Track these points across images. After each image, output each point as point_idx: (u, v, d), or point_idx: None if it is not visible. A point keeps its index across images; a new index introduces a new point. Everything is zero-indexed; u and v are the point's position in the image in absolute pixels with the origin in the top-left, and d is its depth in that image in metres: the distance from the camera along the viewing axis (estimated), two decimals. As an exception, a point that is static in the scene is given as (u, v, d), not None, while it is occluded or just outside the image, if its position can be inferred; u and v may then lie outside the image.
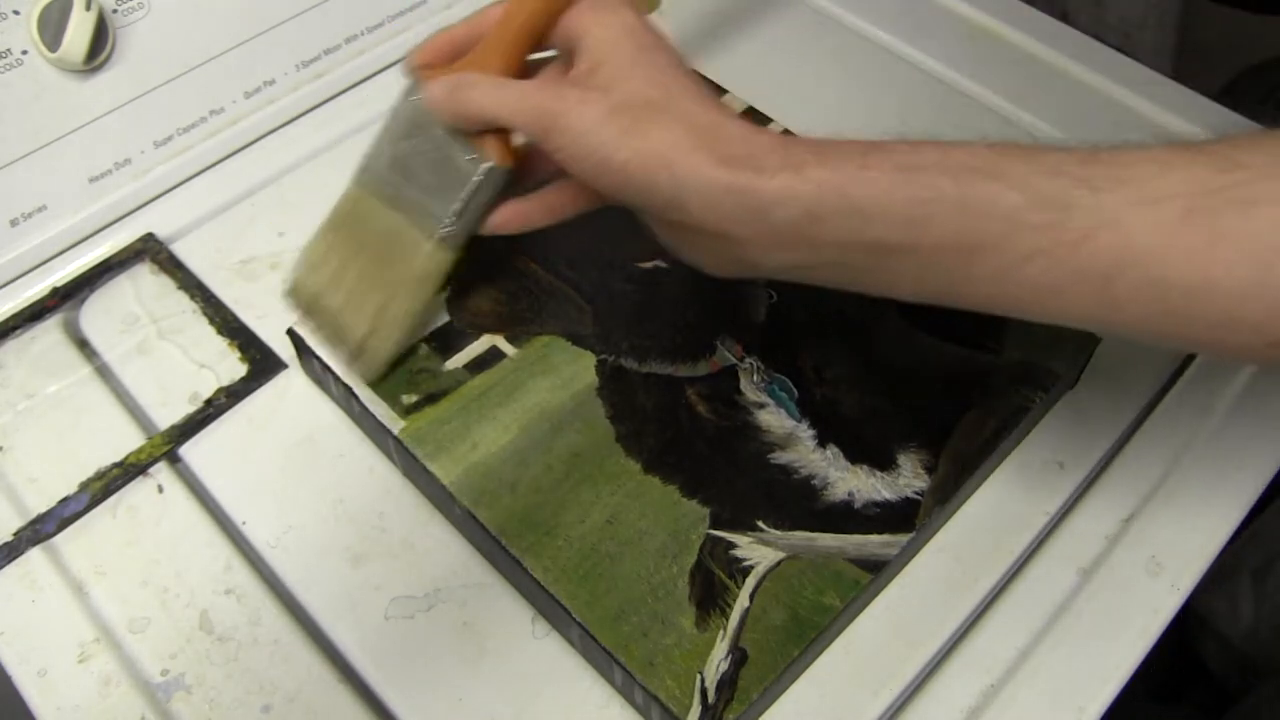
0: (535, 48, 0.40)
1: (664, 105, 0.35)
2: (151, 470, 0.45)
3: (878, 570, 0.40)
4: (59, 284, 0.51)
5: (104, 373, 0.49)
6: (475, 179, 0.40)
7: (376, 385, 0.44)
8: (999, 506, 0.44)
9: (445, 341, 0.46)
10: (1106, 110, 0.59)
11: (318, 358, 0.45)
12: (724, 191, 0.34)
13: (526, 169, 0.42)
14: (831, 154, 0.34)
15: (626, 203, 0.37)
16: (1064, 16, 0.99)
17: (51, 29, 0.47)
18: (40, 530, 0.44)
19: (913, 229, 0.33)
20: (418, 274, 0.42)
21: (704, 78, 0.53)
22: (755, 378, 0.44)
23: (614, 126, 0.35)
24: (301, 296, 0.45)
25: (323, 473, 0.45)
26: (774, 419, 0.43)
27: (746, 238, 0.35)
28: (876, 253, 0.34)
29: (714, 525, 0.41)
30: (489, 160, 0.40)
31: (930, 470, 0.42)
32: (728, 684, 0.37)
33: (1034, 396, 0.44)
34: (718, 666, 0.37)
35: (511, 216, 0.42)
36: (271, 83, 0.57)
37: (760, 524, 0.41)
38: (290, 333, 0.47)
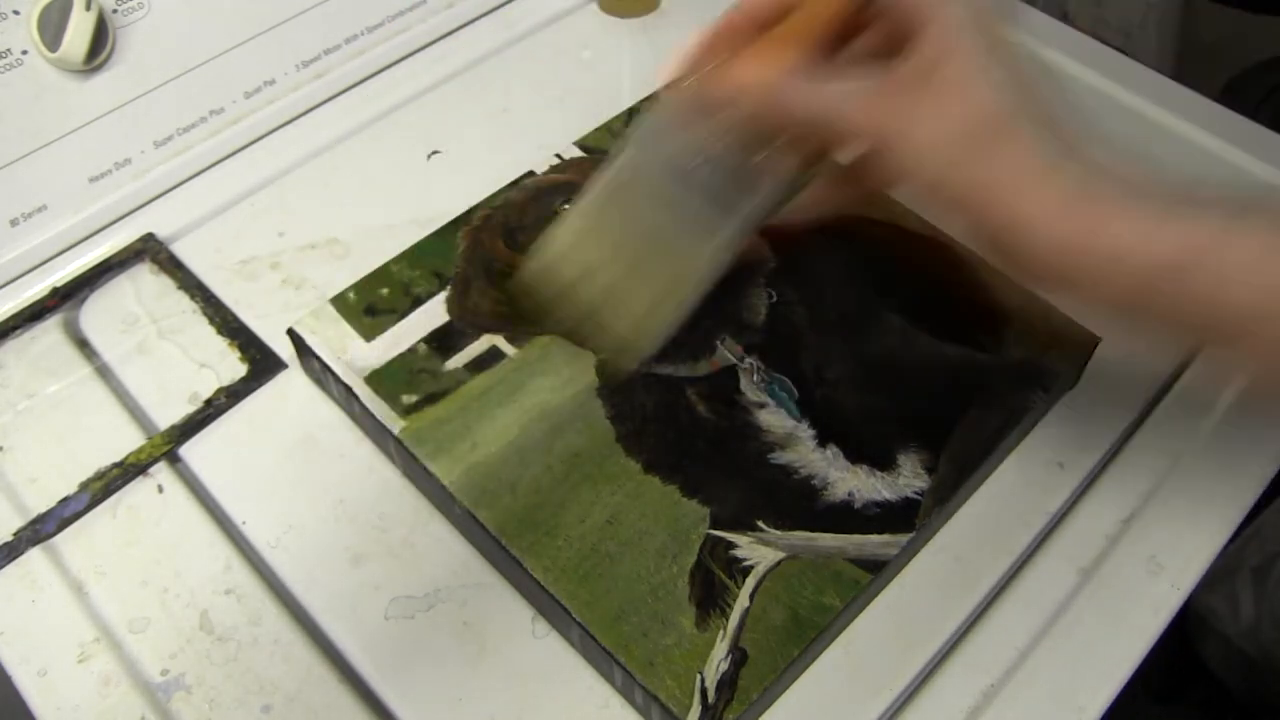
0: (859, 24, 0.35)
1: (1010, 129, 0.32)
2: (151, 470, 0.45)
3: (878, 570, 0.40)
4: (59, 284, 0.51)
5: (104, 373, 0.49)
6: (772, 183, 0.37)
7: (376, 385, 0.44)
8: (999, 506, 0.44)
9: (445, 341, 0.46)
10: (1106, 110, 0.59)
11: (318, 358, 0.45)
12: (1059, 240, 0.32)
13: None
14: (1186, 211, 0.31)
15: (953, 215, 0.34)
16: (1064, 16, 0.99)
17: (51, 29, 0.47)
18: (40, 530, 0.44)
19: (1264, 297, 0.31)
20: (695, 273, 0.39)
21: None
22: (755, 378, 0.44)
23: (957, 149, 0.32)
24: (554, 280, 0.41)
25: (323, 473, 0.45)
26: (774, 419, 0.43)
27: (1073, 284, 0.33)
28: (1200, 302, 0.32)
29: (714, 525, 0.41)
30: (788, 165, 0.37)
31: (930, 470, 0.42)
32: (728, 684, 0.37)
33: (1034, 396, 0.44)
34: (718, 666, 0.37)
35: (804, 209, 0.40)
36: (271, 83, 0.57)
37: (760, 524, 0.41)
38: (290, 333, 0.47)
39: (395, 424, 0.43)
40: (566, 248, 0.40)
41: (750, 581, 0.39)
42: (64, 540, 0.44)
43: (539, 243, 0.40)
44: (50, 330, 0.50)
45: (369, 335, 0.46)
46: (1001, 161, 0.32)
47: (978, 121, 0.32)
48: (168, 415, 0.47)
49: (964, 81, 0.32)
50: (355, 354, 0.45)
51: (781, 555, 0.40)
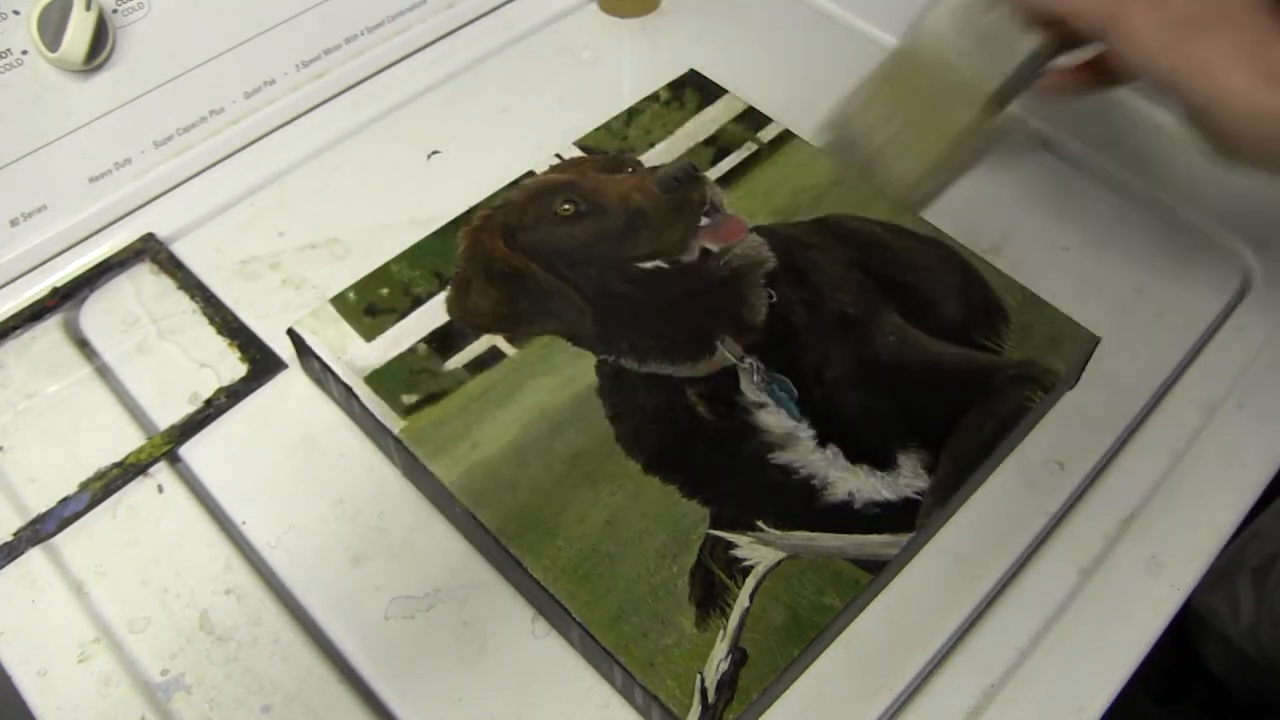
0: None
1: (1215, 20, 0.37)
2: (151, 470, 0.45)
3: (878, 570, 0.40)
4: (59, 284, 0.51)
5: (104, 373, 0.49)
6: (1026, 57, 0.45)
7: (376, 385, 0.44)
8: (999, 506, 0.44)
9: (445, 341, 0.46)
10: (1107, 110, 0.59)
11: (318, 358, 0.45)
12: (1255, 107, 0.36)
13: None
14: None
15: (1167, 99, 0.39)
16: (1064, 16, 0.99)
17: (51, 29, 0.47)
18: (40, 530, 0.44)
19: None
20: (965, 127, 0.47)
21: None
22: (755, 378, 0.44)
23: (1167, 35, 0.37)
24: (844, 133, 0.50)
25: (323, 473, 0.45)
26: (774, 419, 0.43)
27: (1274, 157, 0.38)
28: None
29: (714, 525, 0.41)
30: (1040, 43, 0.44)
31: (930, 470, 0.42)
32: (728, 684, 0.37)
33: (1034, 396, 0.44)
34: (718, 666, 0.37)
35: (1051, 86, 0.46)
36: (271, 83, 0.57)
37: (760, 524, 0.41)
38: (290, 333, 0.47)
39: (395, 424, 0.43)
40: (865, 100, 0.49)
41: (750, 581, 0.39)
42: (64, 540, 0.44)
43: (845, 95, 0.50)
44: (50, 330, 0.50)
45: (369, 335, 0.46)
46: (1206, 47, 0.37)
47: (1187, 17, 0.37)
48: (168, 415, 0.47)
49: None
50: (355, 354, 0.45)
51: (781, 555, 0.40)
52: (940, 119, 0.48)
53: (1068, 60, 0.46)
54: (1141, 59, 0.39)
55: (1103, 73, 0.45)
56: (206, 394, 0.48)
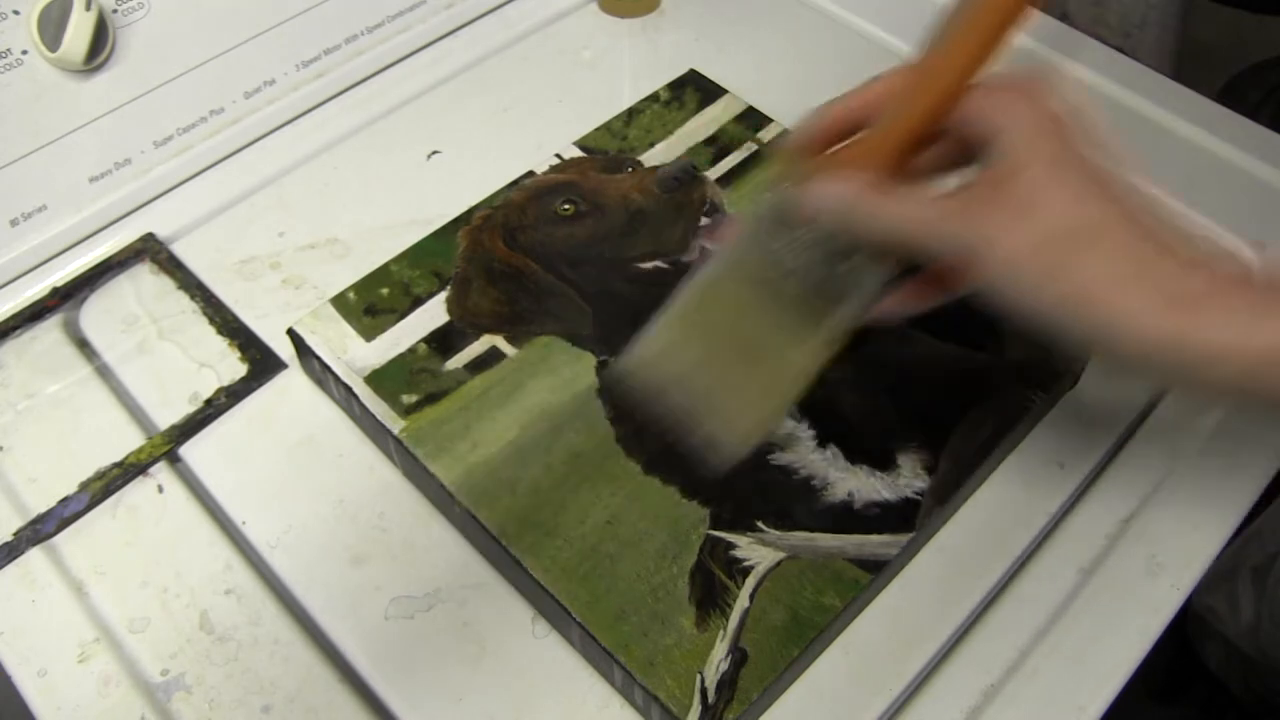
0: (933, 137, 0.36)
1: (1093, 234, 0.32)
2: (151, 470, 0.45)
3: (878, 570, 0.40)
4: (59, 284, 0.51)
5: (104, 373, 0.49)
6: (867, 286, 0.39)
7: (376, 385, 0.44)
8: (999, 506, 0.44)
9: (445, 341, 0.46)
10: (1107, 110, 0.59)
11: (318, 358, 0.45)
12: (1154, 342, 0.31)
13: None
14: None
15: (1041, 326, 0.34)
16: (1064, 17, 0.99)
17: (51, 29, 0.47)
18: (40, 530, 0.44)
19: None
20: (799, 369, 0.40)
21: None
22: (755, 378, 0.44)
23: (1039, 264, 0.32)
24: (653, 375, 0.41)
25: (323, 473, 0.45)
26: (774, 419, 0.43)
27: (1175, 381, 0.35)
28: None
29: (714, 525, 0.41)
30: (881, 269, 0.38)
31: (930, 470, 0.42)
32: (728, 684, 0.37)
33: (1034, 396, 0.44)
34: (718, 666, 0.37)
35: (890, 310, 0.40)
36: (271, 83, 0.57)
37: (760, 524, 0.41)
38: (290, 333, 0.47)
39: (395, 424, 0.43)
40: (662, 349, 0.41)
41: (750, 581, 0.39)
42: (64, 540, 0.44)
43: (634, 342, 0.41)
44: (50, 330, 0.50)
45: (369, 335, 0.46)
46: (1089, 270, 0.32)
47: (1060, 231, 0.32)
48: (168, 415, 0.47)
49: (1041, 191, 0.32)
50: (355, 354, 0.45)
51: (781, 555, 0.40)
52: (771, 360, 0.41)
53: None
54: (1015, 290, 0.33)
55: (947, 283, 0.38)
56: (206, 394, 0.48)
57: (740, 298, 0.40)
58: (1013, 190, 0.32)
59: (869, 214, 0.35)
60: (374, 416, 0.44)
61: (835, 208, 0.36)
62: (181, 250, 0.53)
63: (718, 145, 0.53)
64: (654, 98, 0.56)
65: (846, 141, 0.38)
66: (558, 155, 0.53)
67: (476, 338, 0.46)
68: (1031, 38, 0.62)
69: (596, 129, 0.54)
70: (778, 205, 0.39)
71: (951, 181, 0.36)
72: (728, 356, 0.41)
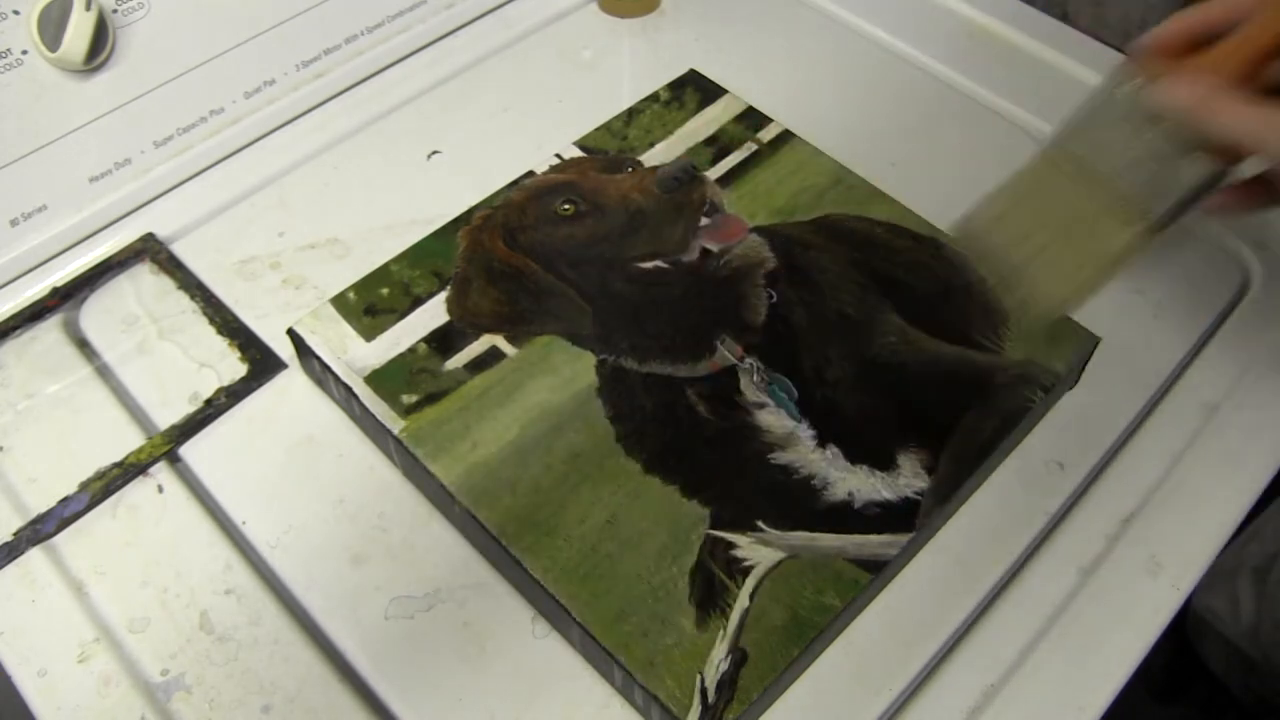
0: None
1: None
2: (151, 470, 0.45)
3: (878, 570, 0.40)
4: (59, 284, 0.51)
5: (104, 373, 0.49)
6: (1196, 181, 0.40)
7: (376, 385, 0.44)
8: (999, 506, 0.44)
9: (445, 341, 0.46)
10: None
11: (318, 358, 0.45)
12: None
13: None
14: None
15: None
16: (1064, 16, 0.99)
17: (51, 29, 0.47)
18: (40, 530, 0.44)
19: None
20: (1115, 253, 0.42)
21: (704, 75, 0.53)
22: (755, 378, 0.44)
23: None
24: (980, 242, 0.45)
25: (323, 473, 0.45)
26: (774, 419, 0.43)
27: None
28: None
29: (714, 525, 0.41)
30: (1213, 167, 0.39)
31: (930, 470, 0.42)
32: (728, 684, 0.37)
33: (1034, 396, 0.44)
34: (718, 666, 0.37)
35: (1219, 205, 0.42)
36: (271, 83, 0.57)
37: (760, 524, 0.41)
38: (290, 333, 0.47)
39: (395, 424, 0.43)
40: (1004, 210, 0.44)
41: (750, 581, 0.39)
42: (64, 540, 0.44)
43: (979, 203, 0.44)
44: (50, 330, 0.50)
45: (369, 335, 0.46)
46: None
47: None
48: (168, 415, 0.47)
49: None
50: (355, 354, 0.45)
51: (781, 555, 0.40)
52: (1092, 240, 0.42)
53: (1234, 177, 0.41)
54: None
55: (1275, 191, 0.41)
56: (206, 394, 0.48)
57: (1065, 181, 0.42)
58: None
59: (1219, 113, 0.36)
60: (374, 416, 0.44)
61: (1187, 104, 0.37)
62: (181, 250, 0.53)
63: (718, 145, 0.53)
64: (654, 98, 0.56)
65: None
66: (558, 155, 0.53)
67: (476, 338, 0.46)
68: (1031, 37, 0.62)
69: (596, 129, 0.54)
70: (1124, 97, 0.40)
71: None
72: (1051, 233, 0.43)
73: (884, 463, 0.42)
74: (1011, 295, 0.45)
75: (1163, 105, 0.38)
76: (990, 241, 0.45)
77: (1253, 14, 0.37)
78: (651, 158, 0.53)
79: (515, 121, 0.59)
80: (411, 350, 0.45)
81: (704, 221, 0.49)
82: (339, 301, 0.47)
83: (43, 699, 0.40)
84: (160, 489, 0.45)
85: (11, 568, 0.43)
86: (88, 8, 0.48)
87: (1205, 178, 0.40)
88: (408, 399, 0.44)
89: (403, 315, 0.47)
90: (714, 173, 0.52)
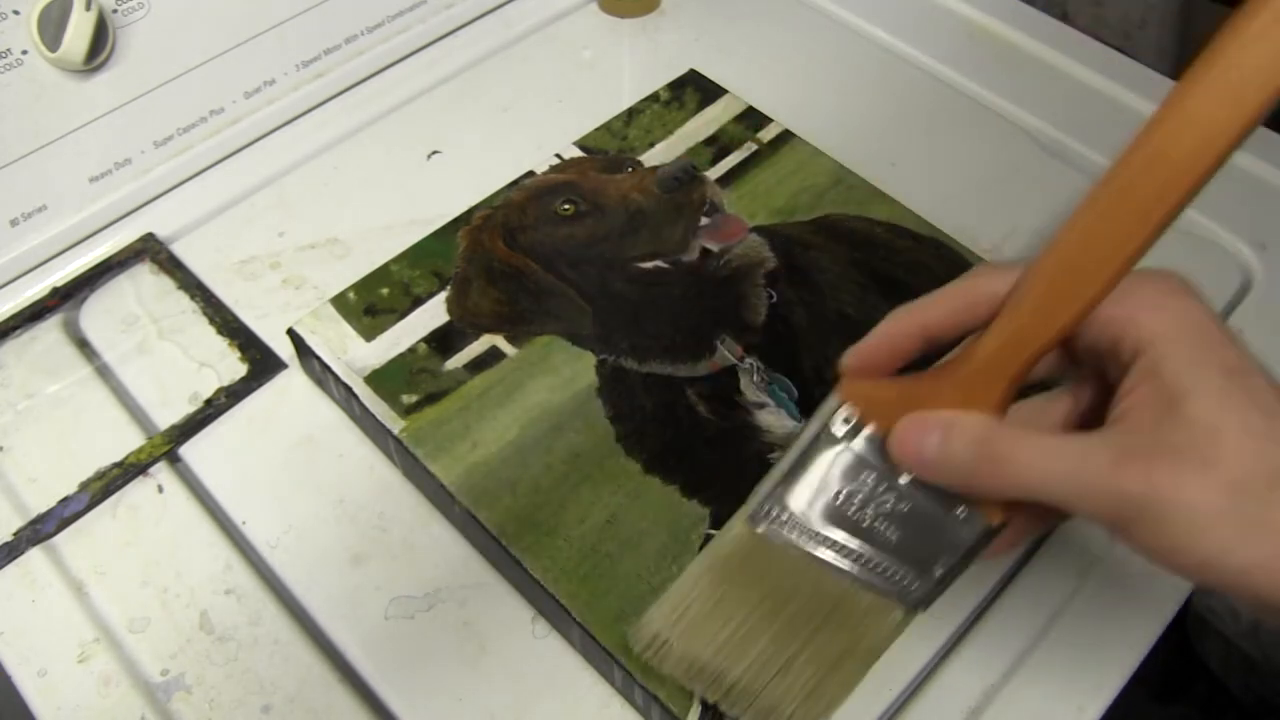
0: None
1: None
2: (151, 470, 0.45)
3: (878, 570, 0.39)
4: (59, 284, 0.51)
5: (104, 373, 0.49)
6: (970, 542, 0.32)
7: (376, 385, 0.44)
8: (999, 506, 0.44)
9: (445, 341, 0.46)
10: (1107, 110, 0.59)
11: (318, 358, 0.45)
12: None
13: None
14: None
15: (1221, 594, 0.29)
16: (1064, 16, 0.99)
17: (51, 29, 0.47)
18: (40, 530, 0.44)
19: None
20: (873, 644, 0.33)
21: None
22: (755, 378, 0.44)
23: (1233, 523, 0.26)
24: (677, 660, 0.34)
25: (323, 473, 0.45)
26: (774, 419, 0.43)
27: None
28: None
29: (714, 525, 0.41)
30: (990, 520, 0.31)
31: (930, 470, 0.42)
32: (728, 684, 0.37)
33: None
34: (718, 667, 0.37)
35: (997, 550, 0.33)
36: (271, 83, 0.57)
37: (760, 524, 0.41)
38: (290, 333, 0.47)
39: (395, 424, 0.43)
40: (703, 611, 0.34)
41: (750, 581, 0.39)
42: (64, 540, 0.44)
43: (658, 604, 0.35)
44: (50, 330, 0.50)
45: (369, 335, 0.46)
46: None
47: (1252, 484, 0.26)
48: (168, 415, 0.47)
49: (1220, 429, 0.27)
50: (355, 354, 0.45)
51: (781, 555, 0.40)
52: (833, 638, 0.33)
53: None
54: (1192, 559, 0.26)
55: (1052, 516, 0.32)
56: (206, 394, 0.48)
57: (785, 557, 0.33)
58: (1183, 429, 0.27)
59: (997, 468, 0.29)
60: (374, 416, 0.44)
61: (954, 460, 0.29)
62: (181, 250, 0.53)
63: (718, 145, 0.53)
64: (654, 98, 0.56)
65: (941, 361, 0.32)
66: (558, 155, 0.53)
67: (476, 338, 0.46)
68: (1031, 37, 0.62)
69: (596, 129, 0.54)
70: (848, 447, 0.32)
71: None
72: (779, 633, 0.33)
73: (884, 463, 0.42)
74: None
75: (913, 464, 0.30)
76: (689, 653, 0.34)
77: (1007, 308, 0.29)
78: (651, 158, 0.53)
79: (515, 121, 0.59)
80: (411, 350, 0.45)
81: (704, 221, 0.49)
82: (339, 301, 0.47)
83: (43, 699, 0.40)
84: (160, 489, 0.45)
85: (11, 568, 0.43)
86: (88, 8, 0.48)
87: (979, 535, 0.31)
88: (408, 399, 0.44)
89: (403, 315, 0.47)
90: (714, 173, 0.52)
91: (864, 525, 0.32)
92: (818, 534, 0.33)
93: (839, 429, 0.32)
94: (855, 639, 0.33)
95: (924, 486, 0.31)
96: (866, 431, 0.32)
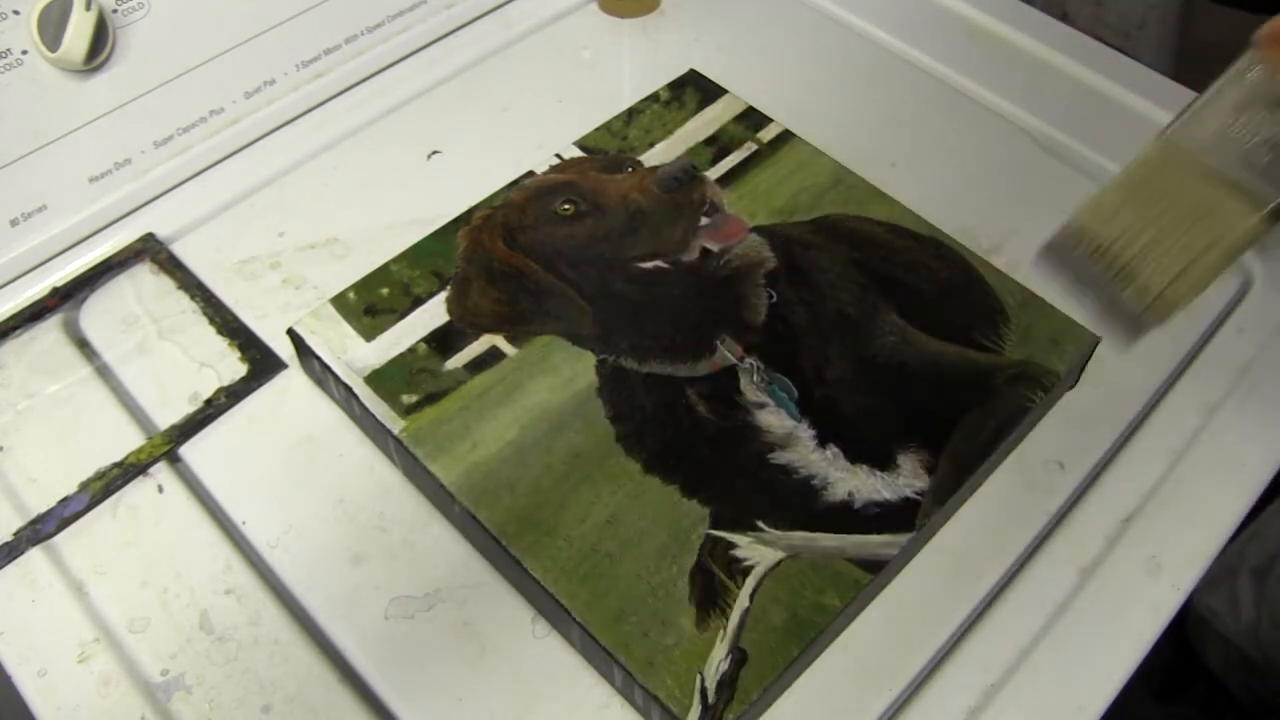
0: None
1: None
2: (151, 470, 0.45)
3: (878, 570, 0.40)
4: (59, 284, 0.51)
5: (104, 373, 0.49)
6: None
7: (376, 385, 0.44)
8: (999, 506, 0.44)
9: (445, 341, 0.46)
10: (1106, 110, 0.59)
11: (318, 358, 0.45)
12: None
13: None
14: None
15: None
16: (1064, 16, 0.99)
17: (51, 29, 0.47)
18: (40, 530, 0.44)
19: None
20: (1234, 243, 0.41)
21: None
22: (755, 378, 0.44)
23: None
24: (1086, 241, 0.43)
25: (323, 473, 0.45)
26: (774, 419, 0.43)
27: None
28: None
29: (714, 525, 0.41)
30: None
31: (930, 470, 0.42)
32: (728, 684, 0.37)
33: (1034, 396, 0.44)
34: (718, 666, 0.37)
35: None
36: (271, 83, 0.57)
37: (760, 524, 0.41)
38: (290, 333, 0.47)
39: (395, 424, 0.43)
40: (1118, 203, 0.43)
41: (750, 581, 0.39)
42: (64, 540, 0.44)
43: (1088, 199, 0.42)
44: (50, 330, 0.50)
45: (369, 335, 0.46)
46: None
47: None
48: (168, 415, 0.47)
49: None
50: (355, 354, 0.45)
51: (781, 555, 0.40)
52: (1209, 229, 0.41)
53: None
54: None
55: None
56: (206, 394, 0.48)
57: (1183, 170, 0.42)
58: None
59: None
60: (374, 416, 0.44)
61: None
62: (181, 250, 0.53)
63: (718, 145, 0.53)
64: (654, 98, 0.56)
65: None
66: (558, 155, 0.53)
67: (476, 338, 0.46)
68: (1031, 37, 0.62)
69: (596, 129, 0.54)
70: (1249, 84, 0.40)
71: None
72: (1166, 224, 0.42)
73: (884, 462, 0.42)
74: (1119, 294, 0.42)
75: None
76: (1103, 237, 0.43)
77: None
78: (651, 158, 0.53)
79: (515, 121, 0.59)
80: (411, 350, 0.45)
81: (704, 221, 0.49)
82: (339, 301, 0.47)
83: (43, 699, 0.40)
84: (160, 489, 0.45)
85: (11, 568, 0.43)
86: (88, 8, 0.48)
87: None
88: (408, 399, 0.44)
89: (403, 315, 0.47)
90: (714, 173, 0.52)
91: (1249, 146, 0.40)
92: (1214, 155, 0.41)
93: (1251, 75, 0.40)
94: (1222, 236, 0.40)
95: None
96: (1267, 71, 0.40)
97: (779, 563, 0.40)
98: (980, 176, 0.56)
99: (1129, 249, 0.42)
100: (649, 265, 0.48)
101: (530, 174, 0.52)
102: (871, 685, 0.39)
